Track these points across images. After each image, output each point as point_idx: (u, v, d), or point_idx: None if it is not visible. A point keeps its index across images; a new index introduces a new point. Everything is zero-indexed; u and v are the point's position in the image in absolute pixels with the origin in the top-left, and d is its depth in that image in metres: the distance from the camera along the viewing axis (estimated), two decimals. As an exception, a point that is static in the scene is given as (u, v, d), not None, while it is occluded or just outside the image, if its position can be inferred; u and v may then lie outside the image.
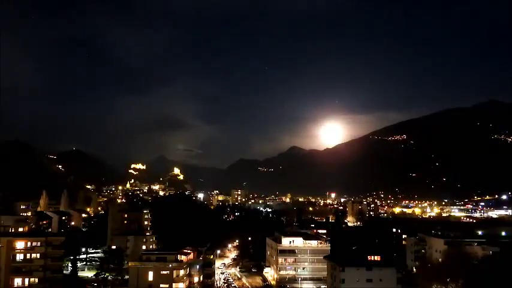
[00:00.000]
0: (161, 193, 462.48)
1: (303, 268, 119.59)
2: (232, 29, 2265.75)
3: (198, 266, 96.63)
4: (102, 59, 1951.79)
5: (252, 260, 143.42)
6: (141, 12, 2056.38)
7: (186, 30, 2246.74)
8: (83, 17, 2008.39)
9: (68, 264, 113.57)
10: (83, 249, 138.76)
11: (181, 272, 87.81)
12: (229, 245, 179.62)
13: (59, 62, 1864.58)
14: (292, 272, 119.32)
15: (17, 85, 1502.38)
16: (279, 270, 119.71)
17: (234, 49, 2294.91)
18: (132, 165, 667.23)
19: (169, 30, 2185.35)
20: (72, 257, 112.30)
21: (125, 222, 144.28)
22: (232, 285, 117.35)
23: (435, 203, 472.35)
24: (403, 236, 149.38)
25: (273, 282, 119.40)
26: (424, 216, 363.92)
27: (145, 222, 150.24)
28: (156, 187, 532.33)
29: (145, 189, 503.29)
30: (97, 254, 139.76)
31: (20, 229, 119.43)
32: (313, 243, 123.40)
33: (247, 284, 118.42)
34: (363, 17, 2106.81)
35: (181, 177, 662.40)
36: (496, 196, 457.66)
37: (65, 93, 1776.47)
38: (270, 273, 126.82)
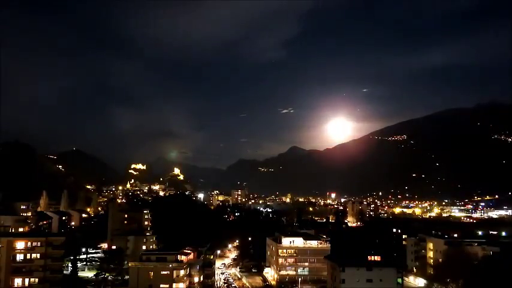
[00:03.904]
0: (161, 193, 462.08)
1: (303, 268, 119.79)
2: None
3: (198, 266, 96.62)
4: (103, 80, 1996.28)
5: (252, 260, 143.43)
6: (140, 51, 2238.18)
7: (178, 63, 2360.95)
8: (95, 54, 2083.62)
9: (68, 264, 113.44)
10: (83, 249, 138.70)
11: (182, 272, 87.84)
12: (230, 245, 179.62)
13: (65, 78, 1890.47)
14: (292, 272, 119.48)
15: (20, 91, 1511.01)
16: (279, 270, 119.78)
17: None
18: (132, 166, 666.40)
19: (164, 64, 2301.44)
20: (72, 257, 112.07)
21: (125, 222, 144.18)
22: (233, 285, 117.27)
23: (435, 203, 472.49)
24: (403, 236, 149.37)
25: (273, 283, 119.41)
26: (424, 217, 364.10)
27: (146, 222, 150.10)
28: (156, 187, 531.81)
29: (146, 189, 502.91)
30: (97, 254, 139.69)
31: (20, 229, 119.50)
32: (313, 243, 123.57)
33: (247, 284, 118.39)
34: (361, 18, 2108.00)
35: (181, 177, 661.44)
36: (496, 196, 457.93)
37: (67, 104, 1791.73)
38: (270, 273, 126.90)
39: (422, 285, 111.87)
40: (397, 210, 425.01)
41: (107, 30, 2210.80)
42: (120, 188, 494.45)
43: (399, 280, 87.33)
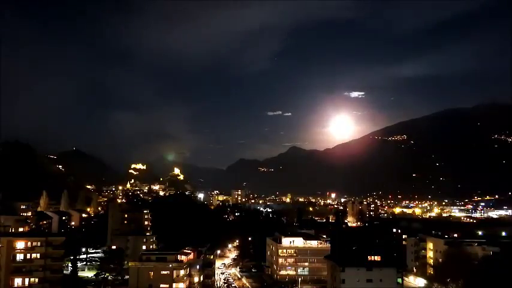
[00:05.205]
0: (161, 193, 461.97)
1: (303, 268, 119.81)
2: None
3: (198, 266, 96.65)
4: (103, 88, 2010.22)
5: (252, 260, 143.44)
6: (140, 58, 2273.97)
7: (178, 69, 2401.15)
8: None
9: (68, 264, 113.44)
10: (83, 249, 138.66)
11: (182, 272, 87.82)
12: (230, 245, 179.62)
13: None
14: (292, 272, 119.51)
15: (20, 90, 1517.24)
16: (279, 270, 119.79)
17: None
18: (132, 166, 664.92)
19: (164, 69, 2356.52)
20: (72, 257, 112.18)
21: (125, 222, 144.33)
22: (233, 285, 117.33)
23: (435, 203, 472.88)
24: (403, 236, 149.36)
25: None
26: (424, 217, 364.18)
27: (146, 222, 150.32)
28: (156, 187, 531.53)
29: (146, 189, 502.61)
30: (97, 254, 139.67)
31: (20, 229, 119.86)
32: (313, 243, 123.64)
33: (247, 284, 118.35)
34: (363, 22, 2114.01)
35: (181, 177, 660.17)
36: (496, 196, 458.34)
37: (68, 104, 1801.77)
38: (270, 273, 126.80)
39: (422, 285, 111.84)
40: (397, 210, 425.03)
41: (109, 38, 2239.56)
42: (120, 188, 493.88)
43: (399, 280, 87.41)
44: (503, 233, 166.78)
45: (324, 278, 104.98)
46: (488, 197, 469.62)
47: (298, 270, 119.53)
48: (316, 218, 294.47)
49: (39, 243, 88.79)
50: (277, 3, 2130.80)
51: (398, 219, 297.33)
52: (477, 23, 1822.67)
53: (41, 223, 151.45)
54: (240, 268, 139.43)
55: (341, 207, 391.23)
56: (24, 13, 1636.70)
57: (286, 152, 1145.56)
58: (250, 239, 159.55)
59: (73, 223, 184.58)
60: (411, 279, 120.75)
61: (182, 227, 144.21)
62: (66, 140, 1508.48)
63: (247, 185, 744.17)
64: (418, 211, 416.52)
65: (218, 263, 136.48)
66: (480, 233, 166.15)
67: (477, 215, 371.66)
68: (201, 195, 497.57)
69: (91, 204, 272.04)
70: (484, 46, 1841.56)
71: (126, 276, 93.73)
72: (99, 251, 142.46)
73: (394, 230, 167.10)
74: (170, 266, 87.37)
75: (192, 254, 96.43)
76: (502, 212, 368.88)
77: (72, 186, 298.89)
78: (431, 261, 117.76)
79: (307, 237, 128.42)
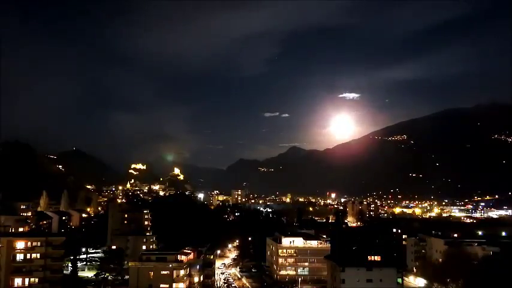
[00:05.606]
0: (161, 193, 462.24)
1: (303, 268, 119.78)
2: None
3: (198, 266, 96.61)
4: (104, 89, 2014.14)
5: (252, 260, 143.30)
6: (141, 61, 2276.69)
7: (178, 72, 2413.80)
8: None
9: (68, 264, 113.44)
10: (83, 249, 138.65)
11: (182, 272, 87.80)
12: (230, 245, 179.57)
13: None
14: (292, 272, 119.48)
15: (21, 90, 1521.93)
16: (279, 270, 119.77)
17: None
18: (132, 166, 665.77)
19: (164, 71, 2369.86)
20: (72, 257, 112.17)
21: (125, 222, 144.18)
22: (233, 285, 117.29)
23: (435, 203, 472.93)
24: (403, 236, 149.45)
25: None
26: (424, 217, 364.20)
27: (146, 222, 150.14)
28: (156, 187, 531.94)
29: (146, 189, 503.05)
30: (97, 254, 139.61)
31: (20, 229, 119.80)
32: (313, 243, 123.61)
33: (247, 284, 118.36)
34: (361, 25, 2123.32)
35: (181, 177, 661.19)
36: (496, 196, 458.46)
37: (68, 105, 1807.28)
38: (270, 273, 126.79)
39: (422, 285, 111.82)
40: (397, 210, 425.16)
41: (109, 38, 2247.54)
42: (120, 188, 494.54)
43: (399, 280, 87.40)
44: (503, 233, 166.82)
45: (324, 278, 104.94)
46: (488, 197, 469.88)
47: (298, 270, 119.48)
48: (316, 218, 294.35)
49: (39, 243, 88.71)
50: (277, 4, 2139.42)
51: (398, 219, 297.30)
52: (477, 24, 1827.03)
53: (41, 223, 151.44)
54: (240, 268, 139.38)
55: (341, 207, 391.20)
56: (24, 13, 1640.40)
57: (286, 152, 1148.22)
58: (250, 239, 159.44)
59: (73, 223, 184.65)
60: (411, 279, 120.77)
61: (182, 227, 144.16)
62: (66, 140, 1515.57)
63: (247, 185, 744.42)
64: (418, 211, 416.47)
65: (218, 263, 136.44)
66: (480, 233, 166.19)
67: (477, 215, 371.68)
68: (201, 195, 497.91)
69: (91, 204, 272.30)
70: (484, 46, 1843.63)
71: (126, 276, 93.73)
72: (99, 251, 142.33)
73: (394, 230, 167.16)
74: (170, 266, 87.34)
75: (192, 254, 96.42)
76: (502, 212, 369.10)
77: (72, 186, 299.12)
78: (431, 261, 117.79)
79: (307, 237, 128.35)
